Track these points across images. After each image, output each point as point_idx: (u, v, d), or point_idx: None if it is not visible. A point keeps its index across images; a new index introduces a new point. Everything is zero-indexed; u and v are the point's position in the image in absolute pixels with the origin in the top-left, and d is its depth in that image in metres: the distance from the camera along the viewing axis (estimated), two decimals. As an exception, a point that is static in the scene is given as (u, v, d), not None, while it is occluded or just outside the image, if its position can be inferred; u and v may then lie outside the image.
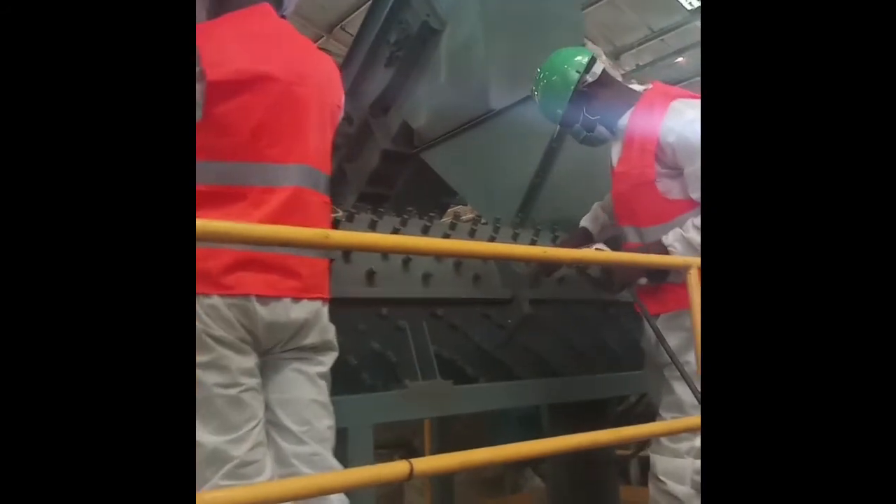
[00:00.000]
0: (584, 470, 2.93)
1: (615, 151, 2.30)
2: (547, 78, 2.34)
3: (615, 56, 11.98)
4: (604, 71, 2.33)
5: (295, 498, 1.11)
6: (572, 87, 2.28)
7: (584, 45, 3.34)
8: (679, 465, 2.08)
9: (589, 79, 2.28)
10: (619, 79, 2.41)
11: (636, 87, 2.34)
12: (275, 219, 1.55)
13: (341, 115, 1.88)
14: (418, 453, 3.93)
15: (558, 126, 2.48)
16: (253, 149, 1.60)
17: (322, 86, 1.75)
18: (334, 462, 1.63)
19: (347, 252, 2.04)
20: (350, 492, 1.75)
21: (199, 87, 1.54)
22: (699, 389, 1.85)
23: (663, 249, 2.06)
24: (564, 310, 2.50)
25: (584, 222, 2.51)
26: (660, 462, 2.11)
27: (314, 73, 1.74)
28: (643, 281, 2.04)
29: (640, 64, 11.62)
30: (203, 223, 1.08)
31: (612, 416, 2.92)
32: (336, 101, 1.82)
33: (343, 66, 3.80)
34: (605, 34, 11.74)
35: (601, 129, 2.31)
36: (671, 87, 2.33)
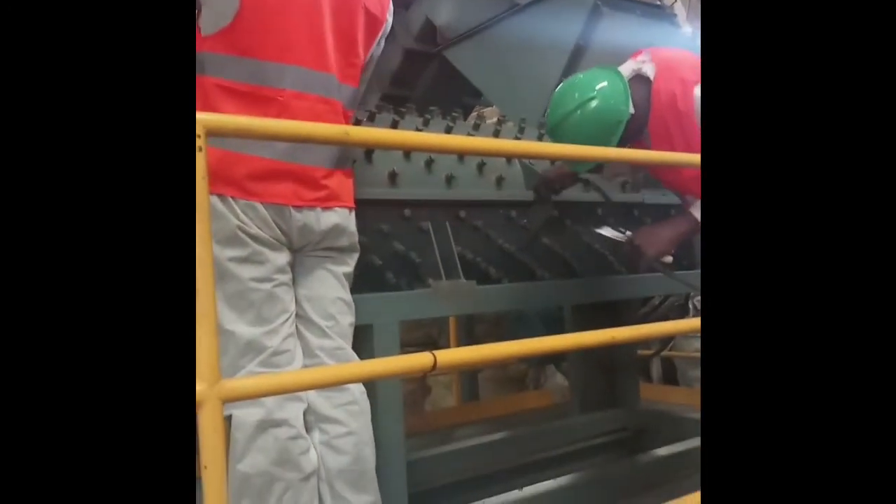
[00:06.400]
0: (606, 367, 3.00)
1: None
2: (585, 112, 1.90)
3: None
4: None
5: (322, 385, 1.17)
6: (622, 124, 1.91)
7: None
8: None
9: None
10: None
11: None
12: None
13: (383, 28, 1.81)
14: (444, 352, 4.04)
15: (583, 26, 2.31)
16: (288, 50, 1.58)
17: None
18: (355, 356, 1.71)
19: (369, 153, 2.03)
20: (377, 385, 1.84)
21: None
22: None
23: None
24: (588, 211, 2.49)
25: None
26: None
27: None
28: (669, 259, 1.98)
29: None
30: (221, 117, 1.08)
31: (636, 318, 2.95)
32: (371, 8, 1.74)
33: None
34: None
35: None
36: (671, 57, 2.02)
